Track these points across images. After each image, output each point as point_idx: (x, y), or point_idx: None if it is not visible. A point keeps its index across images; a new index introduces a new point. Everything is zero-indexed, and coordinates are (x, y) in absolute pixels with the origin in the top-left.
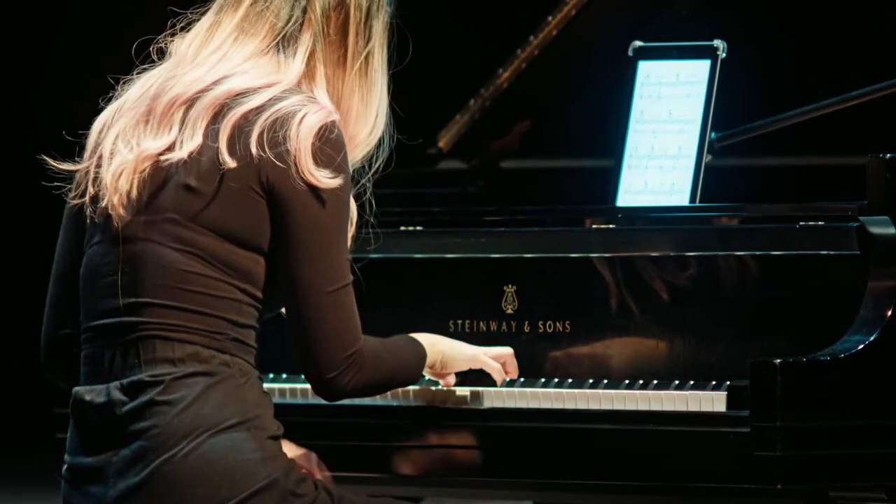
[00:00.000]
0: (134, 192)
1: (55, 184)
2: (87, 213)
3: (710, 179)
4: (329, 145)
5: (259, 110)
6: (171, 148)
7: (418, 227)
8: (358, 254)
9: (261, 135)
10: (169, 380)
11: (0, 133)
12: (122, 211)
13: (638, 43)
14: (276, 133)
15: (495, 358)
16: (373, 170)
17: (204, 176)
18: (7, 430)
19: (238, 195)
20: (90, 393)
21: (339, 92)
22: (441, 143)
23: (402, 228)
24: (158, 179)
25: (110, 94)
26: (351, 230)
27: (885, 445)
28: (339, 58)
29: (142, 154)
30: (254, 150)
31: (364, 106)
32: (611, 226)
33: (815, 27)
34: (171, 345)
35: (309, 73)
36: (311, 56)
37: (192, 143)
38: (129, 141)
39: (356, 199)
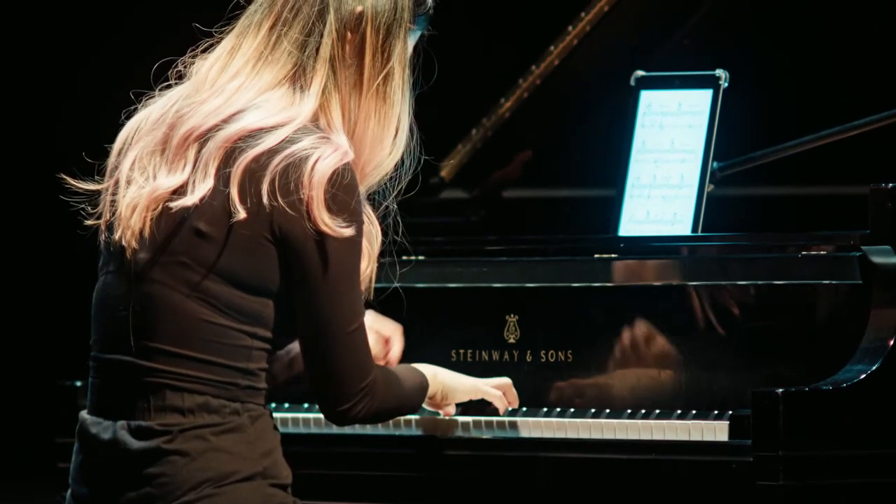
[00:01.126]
0: (146, 230)
1: (71, 197)
2: (103, 237)
3: (712, 209)
4: (342, 190)
5: (271, 154)
6: (183, 187)
7: (420, 257)
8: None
9: (272, 182)
10: (177, 431)
11: (26, 144)
12: (135, 245)
13: (640, 72)
14: (288, 180)
15: (495, 388)
16: (395, 192)
17: (215, 221)
18: (7, 455)
19: (249, 242)
20: (96, 426)
21: (355, 115)
22: (443, 173)
23: (405, 258)
24: (171, 221)
25: (133, 108)
26: (376, 252)
27: (887, 475)
28: (355, 81)
29: (154, 192)
30: (265, 198)
31: (382, 129)
32: (613, 255)
33: (816, 57)
34: (180, 395)
35: (325, 105)
36: (325, 85)
37: (203, 186)
38: (145, 169)
39: (381, 220)
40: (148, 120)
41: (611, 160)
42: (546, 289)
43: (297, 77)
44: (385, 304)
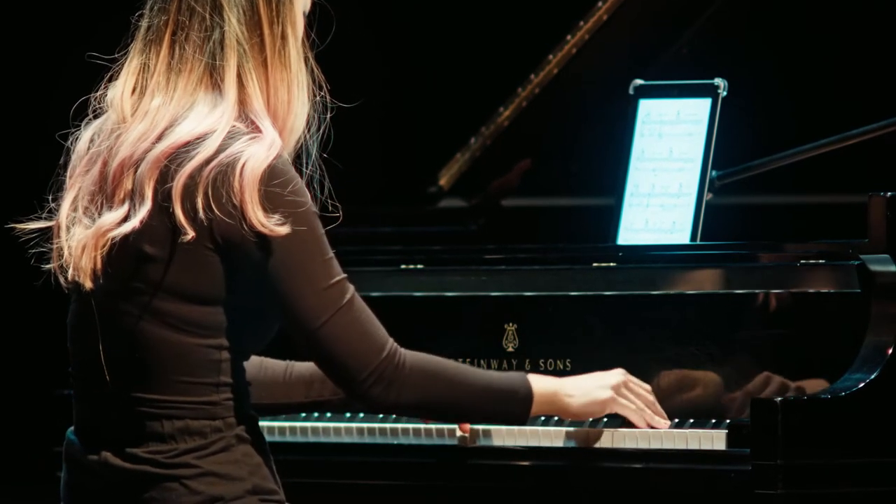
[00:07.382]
0: (98, 267)
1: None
2: (61, 279)
3: (710, 218)
4: (277, 186)
5: (203, 166)
6: (126, 217)
7: (419, 266)
8: (360, 293)
9: (205, 194)
10: (161, 458)
11: (24, 147)
12: (90, 285)
13: (639, 81)
14: (219, 189)
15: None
16: (316, 145)
17: (157, 241)
18: (5, 464)
19: (193, 256)
20: (82, 448)
21: (266, 90)
22: (442, 182)
23: (403, 267)
24: (120, 250)
25: (67, 144)
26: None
27: (886, 484)
28: (262, 58)
29: (100, 230)
30: (201, 211)
31: (289, 93)
32: (611, 264)
33: (815, 66)
34: (159, 422)
35: (244, 95)
36: (239, 75)
37: (143, 209)
38: (87, 208)
39: (308, 182)
40: (80, 160)
41: (609, 168)
42: (545, 298)
43: (213, 77)
44: (384, 313)
